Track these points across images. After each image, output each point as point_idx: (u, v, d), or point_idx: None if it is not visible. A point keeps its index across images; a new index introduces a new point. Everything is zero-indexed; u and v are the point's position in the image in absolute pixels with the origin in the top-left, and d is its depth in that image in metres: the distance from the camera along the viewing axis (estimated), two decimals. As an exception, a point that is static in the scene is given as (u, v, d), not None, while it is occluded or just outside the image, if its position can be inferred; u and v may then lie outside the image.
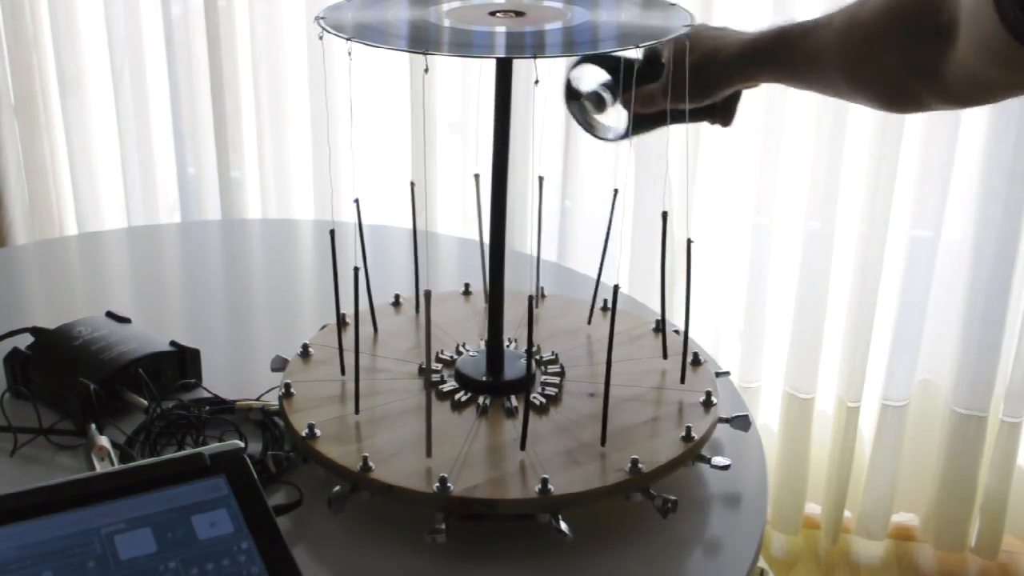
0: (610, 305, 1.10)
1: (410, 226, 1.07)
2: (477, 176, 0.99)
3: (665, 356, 1.01)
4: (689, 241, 0.94)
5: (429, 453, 0.86)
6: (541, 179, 1.05)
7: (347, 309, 1.07)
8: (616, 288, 0.90)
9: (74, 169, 2.10)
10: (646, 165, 1.80)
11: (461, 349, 1.00)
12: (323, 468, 0.87)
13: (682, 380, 0.97)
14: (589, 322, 1.07)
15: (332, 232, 0.92)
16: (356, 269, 0.89)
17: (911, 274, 1.80)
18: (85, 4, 1.99)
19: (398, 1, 0.94)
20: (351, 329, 1.04)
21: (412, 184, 1.07)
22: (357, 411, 0.91)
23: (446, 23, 0.87)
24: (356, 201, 0.98)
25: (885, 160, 1.71)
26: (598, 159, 1.84)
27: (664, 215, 0.95)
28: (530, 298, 0.84)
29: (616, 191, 1.01)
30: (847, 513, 1.94)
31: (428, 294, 0.84)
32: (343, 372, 0.96)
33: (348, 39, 0.81)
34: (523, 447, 0.86)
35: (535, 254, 1.04)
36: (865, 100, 0.87)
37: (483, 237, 0.99)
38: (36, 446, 0.97)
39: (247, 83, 1.94)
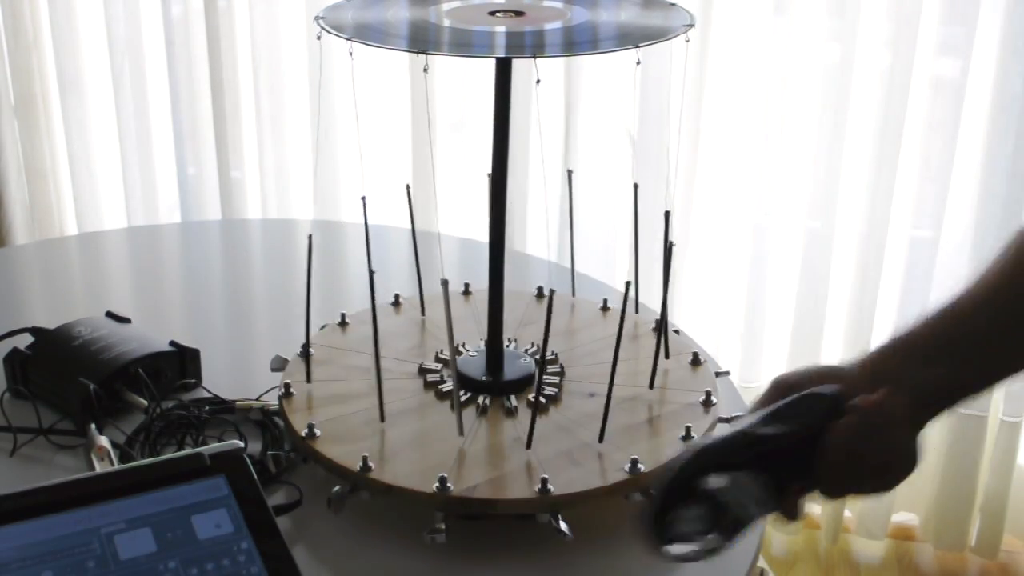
0: (610, 305, 1.10)
1: (410, 226, 1.07)
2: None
3: (667, 355, 1.00)
4: (671, 243, 0.93)
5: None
6: (570, 172, 1.05)
7: (349, 309, 1.07)
8: (628, 284, 0.89)
9: (74, 169, 2.10)
10: (646, 165, 1.80)
11: (461, 349, 1.00)
12: (323, 468, 0.87)
13: (651, 383, 0.97)
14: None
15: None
16: (372, 272, 0.89)
17: (911, 274, 1.80)
18: (85, 5, 1.99)
19: (398, 1, 0.94)
20: (351, 329, 1.05)
21: (408, 187, 1.07)
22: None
23: (446, 23, 0.87)
24: (363, 199, 0.97)
25: (885, 160, 1.71)
26: (598, 159, 1.84)
27: (667, 214, 0.95)
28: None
29: (636, 185, 1.01)
30: (847, 513, 1.93)
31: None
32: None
33: (348, 39, 0.81)
34: (529, 446, 0.86)
35: (543, 255, 1.03)
36: None
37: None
38: (36, 446, 0.97)
39: (247, 83, 1.94)
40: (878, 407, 0.68)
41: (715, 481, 0.65)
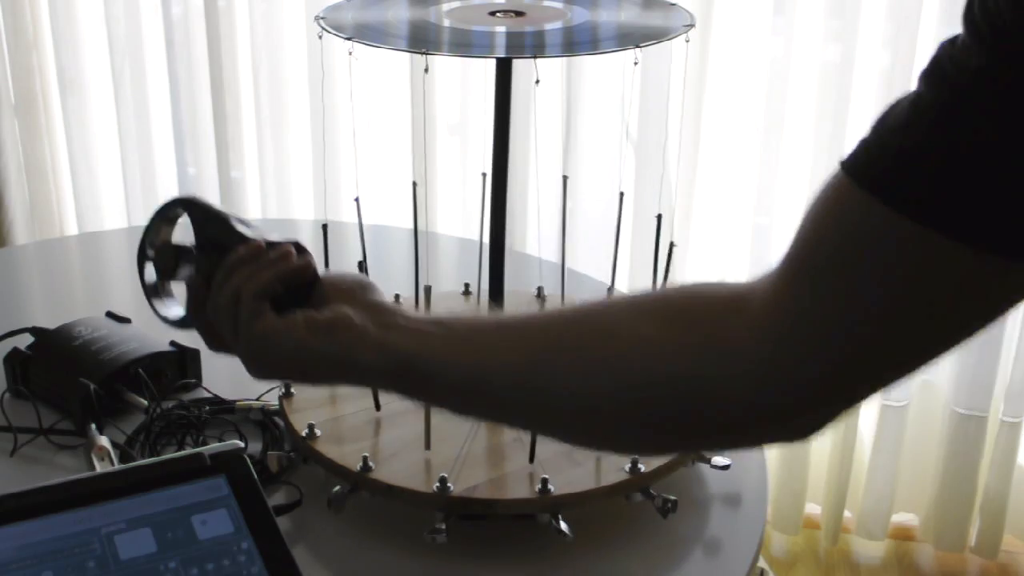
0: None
1: (410, 226, 1.07)
2: (484, 175, 0.99)
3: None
4: (672, 244, 0.94)
5: (428, 446, 0.86)
6: (565, 178, 1.05)
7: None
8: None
9: (74, 169, 2.10)
10: (646, 165, 1.80)
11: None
12: (323, 468, 0.87)
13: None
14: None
15: (324, 227, 0.92)
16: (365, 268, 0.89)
17: (911, 274, 1.79)
18: (85, 4, 1.99)
19: (398, 1, 0.94)
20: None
21: (415, 184, 1.07)
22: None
23: (446, 23, 0.87)
24: (356, 200, 0.98)
25: (885, 160, 1.71)
26: (598, 159, 1.84)
27: (659, 217, 0.95)
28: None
29: (622, 194, 1.01)
30: (847, 513, 1.93)
31: (428, 289, 0.84)
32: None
33: (348, 39, 0.81)
34: (532, 460, 0.86)
35: (539, 254, 1.03)
36: None
37: (483, 236, 0.99)
38: (36, 446, 0.97)
39: (247, 83, 1.94)
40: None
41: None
